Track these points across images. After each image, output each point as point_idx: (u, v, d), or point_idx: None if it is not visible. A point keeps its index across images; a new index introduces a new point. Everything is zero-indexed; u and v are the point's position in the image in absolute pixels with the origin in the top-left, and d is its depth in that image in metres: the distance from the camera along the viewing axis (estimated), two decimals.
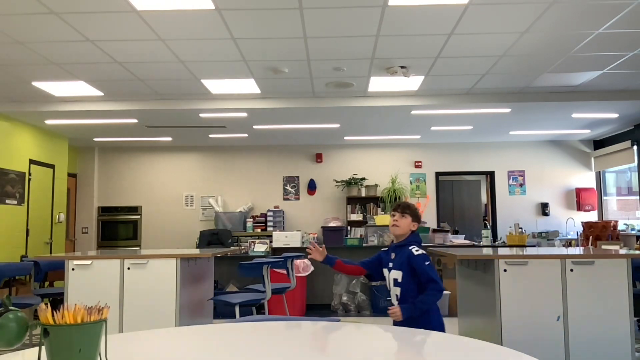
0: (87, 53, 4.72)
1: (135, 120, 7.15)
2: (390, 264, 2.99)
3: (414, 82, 5.75)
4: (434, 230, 7.81)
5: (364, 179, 9.14)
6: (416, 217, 3.02)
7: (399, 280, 2.90)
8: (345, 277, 7.18)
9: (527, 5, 3.81)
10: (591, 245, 6.85)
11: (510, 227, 8.80)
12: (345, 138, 8.72)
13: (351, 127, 7.72)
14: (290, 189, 9.30)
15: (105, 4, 3.71)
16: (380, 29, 4.23)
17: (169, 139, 8.68)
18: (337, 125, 7.61)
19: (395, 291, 2.92)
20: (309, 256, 3.20)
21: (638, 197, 8.00)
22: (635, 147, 7.80)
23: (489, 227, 8.58)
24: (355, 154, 9.35)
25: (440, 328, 2.84)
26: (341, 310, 7.11)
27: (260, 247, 7.79)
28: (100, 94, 6.07)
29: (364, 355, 1.41)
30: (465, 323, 4.43)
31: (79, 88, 5.82)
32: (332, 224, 8.30)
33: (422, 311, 2.77)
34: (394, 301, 2.93)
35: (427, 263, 2.82)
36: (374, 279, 3.20)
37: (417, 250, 2.86)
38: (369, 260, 3.23)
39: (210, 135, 8.38)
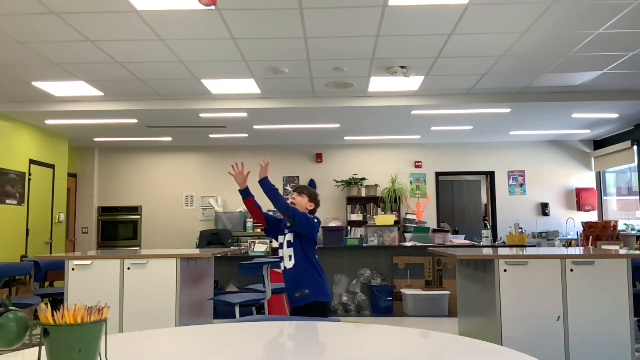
0: (87, 53, 4.72)
1: (135, 120, 7.15)
2: (286, 230, 3.43)
3: (414, 82, 5.75)
4: (434, 230, 7.81)
5: (364, 179, 9.14)
6: (312, 197, 3.49)
7: (292, 241, 3.37)
8: (345, 277, 7.18)
9: (527, 5, 3.81)
10: (591, 245, 6.85)
11: (510, 227, 8.80)
12: (345, 138, 8.72)
13: (351, 127, 7.72)
14: (290, 189, 9.29)
15: (105, 4, 3.71)
16: (380, 29, 4.23)
17: (169, 139, 8.69)
18: (337, 125, 7.61)
19: (289, 252, 3.37)
20: (230, 173, 3.56)
21: (638, 197, 8.00)
22: (635, 147, 7.80)
23: (489, 227, 8.58)
24: (355, 154, 9.35)
25: (317, 288, 3.28)
26: (341, 310, 7.11)
27: (260, 247, 7.79)
28: (100, 94, 6.07)
29: (364, 355, 1.41)
30: (465, 323, 4.43)
31: (79, 88, 5.82)
32: (332, 224, 8.30)
33: (269, 190, 3.36)
34: (287, 262, 3.36)
35: (310, 218, 3.33)
36: (269, 233, 3.62)
37: (308, 215, 3.36)
38: (273, 218, 3.63)
39: (210, 135, 8.38)
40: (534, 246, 6.87)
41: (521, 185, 9.25)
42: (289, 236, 3.39)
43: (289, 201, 3.45)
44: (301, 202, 3.44)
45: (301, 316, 3.30)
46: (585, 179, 9.22)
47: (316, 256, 3.38)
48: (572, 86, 6.02)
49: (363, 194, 9.10)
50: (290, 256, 3.35)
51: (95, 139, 8.68)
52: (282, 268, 3.43)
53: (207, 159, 9.40)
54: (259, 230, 8.83)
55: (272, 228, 3.58)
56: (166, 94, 6.16)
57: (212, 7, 3.57)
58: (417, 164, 9.29)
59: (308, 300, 3.30)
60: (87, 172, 9.39)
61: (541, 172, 9.25)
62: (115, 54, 4.77)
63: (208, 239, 8.11)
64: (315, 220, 3.38)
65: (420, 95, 6.31)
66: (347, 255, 7.30)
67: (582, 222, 7.39)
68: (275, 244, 7.44)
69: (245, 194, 3.57)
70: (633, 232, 7.78)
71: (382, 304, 6.97)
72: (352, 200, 9.11)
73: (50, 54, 4.73)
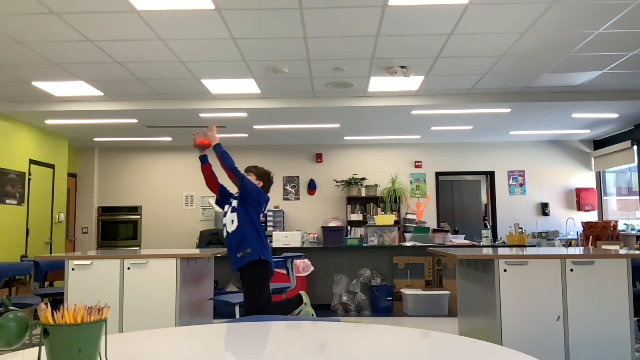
0: (87, 53, 4.72)
1: (135, 120, 7.15)
2: (232, 199, 3.87)
3: (414, 82, 5.75)
4: (434, 230, 7.82)
5: (364, 179, 9.14)
6: (260, 176, 3.91)
7: (236, 207, 3.76)
8: (345, 277, 7.18)
9: (527, 5, 3.81)
10: (591, 245, 6.86)
11: (510, 227, 8.81)
12: (345, 138, 8.72)
13: (351, 127, 7.72)
14: (290, 189, 9.30)
15: (105, 4, 3.71)
16: (380, 29, 4.23)
17: (169, 139, 8.69)
18: (337, 125, 7.61)
19: (232, 217, 3.75)
20: (194, 138, 3.92)
21: (638, 197, 8.00)
22: (635, 147, 7.80)
23: (489, 227, 8.58)
24: (355, 154, 9.35)
25: (258, 247, 3.65)
26: (341, 310, 7.11)
27: None
28: (100, 94, 6.07)
29: (364, 355, 1.41)
30: (465, 323, 4.43)
31: (79, 88, 5.82)
32: (332, 224, 8.30)
33: (222, 154, 3.71)
34: (230, 226, 3.74)
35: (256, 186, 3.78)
36: (219, 203, 3.98)
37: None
38: (225, 189, 4.02)
39: None
40: (534, 246, 6.88)
41: (521, 185, 9.25)
42: (235, 202, 3.78)
43: None
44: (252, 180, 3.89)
45: (245, 277, 3.67)
46: (585, 179, 9.22)
47: (261, 224, 3.73)
48: (572, 86, 6.03)
49: (363, 194, 9.10)
50: (232, 220, 3.71)
51: (95, 139, 8.68)
52: (225, 234, 3.75)
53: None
54: None
55: (222, 198, 3.98)
56: (166, 94, 6.16)
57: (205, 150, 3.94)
58: (417, 164, 9.29)
59: (250, 258, 3.59)
60: (87, 172, 9.39)
61: (541, 172, 9.26)
62: (115, 54, 4.77)
63: (208, 239, 8.10)
64: (258, 188, 3.78)
65: (420, 95, 6.31)
66: (347, 255, 7.30)
67: (582, 222, 7.39)
68: (275, 244, 7.46)
69: (204, 159, 3.92)
70: (633, 232, 7.78)
71: (382, 304, 6.97)
72: (352, 200, 9.11)
73: (50, 54, 4.73)
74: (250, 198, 3.67)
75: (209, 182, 3.93)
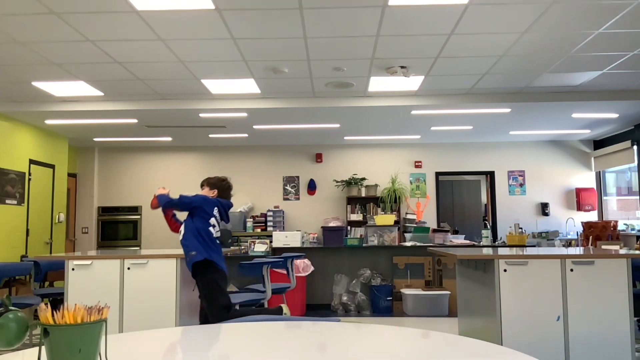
0: (87, 53, 4.72)
1: (135, 120, 7.15)
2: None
3: (414, 82, 5.75)
4: (434, 230, 7.82)
5: (364, 179, 9.14)
6: (214, 185, 4.04)
7: (185, 219, 3.97)
8: (345, 277, 7.17)
9: (527, 5, 3.81)
10: (591, 245, 6.86)
11: (510, 227, 8.81)
12: (345, 138, 8.72)
13: (351, 127, 7.72)
14: (290, 189, 9.30)
15: (105, 4, 3.71)
16: (380, 29, 4.23)
17: (169, 139, 8.69)
18: (337, 125, 7.61)
19: (181, 228, 3.96)
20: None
21: (638, 197, 8.00)
22: (635, 147, 7.80)
23: (489, 227, 8.58)
24: (355, 154, 9.35)
25: (202, 250, 3.78)
26: (341, 310, 7.11)
27: (260, 247, 7.79)
28: (100, 94, 6.07)
29: (364, 355, 1.41)
30: (465, 323, 4.43)
31: (79, 88, 5.82)
32: (332, 224, 8.30)
33: (169, 201, 3.91)
34: (180, 237, 3.92)
35: (193, 195, 3.92)
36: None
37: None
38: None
39: (210, 135, 8.38)
40: (534, 246, 6.88)
41: (521, 185, 9.25)
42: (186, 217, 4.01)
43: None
44: (205, 193, 4.04)
45: (198, 283, 3.82)
46: (585, 179, 9.22)
47: (209, 229, 3.84)
48: (572, 86, 6.03)
49: (363, 194, 9.10)
50: (181, 231, 3.93)
51: (95, 139, 8.68)
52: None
53: (207, 159, 9.40)
54: (259, 230, 8.84)
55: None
56: (166, 94, 6.16)
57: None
58: (417, 164, 9.29)
59: (195, 259, 3.74)
60: (87, 172, 9.39)
61: (541, 172, 9.26)
62: (115, 54, 4.77)
63: None
64: (198, 197, 3.91)
65: (420, 95, 6.31)
66: (347, 255, 7.30)
67: (582, 222, 7.39)
68: (275, 244, 7.47)
69: (164, 210, 4.14)
70: (633, 232, 7.78)
71: (382, 304, 6.97)
72: (352, 200, 9.11)
73: (50, 54, 4.73)
74: (194, 209, 3.85)
75: (171, 226, 4.19)
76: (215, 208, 3.92)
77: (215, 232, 3.88)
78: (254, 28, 4.19)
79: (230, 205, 4.09)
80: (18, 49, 4.59)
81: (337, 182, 9.22)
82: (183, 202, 3.86)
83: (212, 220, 3.88)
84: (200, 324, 3.76)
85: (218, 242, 3.90)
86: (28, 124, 7.33)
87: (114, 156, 9.47)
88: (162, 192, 3.96)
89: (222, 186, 4.07)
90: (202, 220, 3.84)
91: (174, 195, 4.06)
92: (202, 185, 4.11)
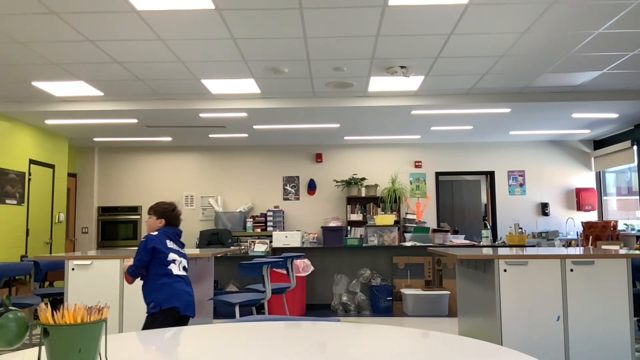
0: (87, 53, 4.72)
1: (135, 120, 7.15)
2: None
3: (414, 82, 5.75)
4: (434, 230, 7.82)
5: (364, 179, 9.14)
6: (160, 214, 3.58)
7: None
8: (345, 277, 7.17)
9: (527, 5, 3.81)
10: (591, 245, 6.86)
11: (510, 227, 8.81)
12: (345, 138, 8.72)
13: (351, 127, 7.72)
14: (290, 189, 9.30)
15: (105, 4, 3.71)
16: (380, 29, 4.23)
17: (169, 139, 8.69)
18: (337, 125, 7.61)
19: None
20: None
21: (638, 197, 8.00)
22: (635, 147, 7.80)
23: (489, 227, 8.58)
24: (355, 154, 9.35)
25: (159, 299, 3.39)
26: (341, 310, 7.11)
27: (260, 247, 7.79)
28: (100, 94, 6.07)
29: (364, 355, 1.41)
30: (465, 323, 4.43)
31: (79, 88, 5.82)
32: (332, 224, 8.30)
33: (132, 273, 3.46)
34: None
35: (140, 247, 3.43)
36: None
37: (144, 237, 3.50)
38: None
39: (210, 135, 8.38)
40: (534, 246, 6.88)
41: (521, 185, 9.25)
42: None
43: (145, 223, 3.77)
44: (151, 225, 3.58)
45: (148, 315, 3.49)
46: (585, 179, 9.22)
47: (169, 268, 3.43)
48: (572, 86, 6.03)
49: (363, 194, 9.10)
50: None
51: (95, 139, 8.68)
52: None
53: (207, 159, 9.40)
54: (259, 230, 8.84)
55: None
56: (166, 94, 6.16)
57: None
58: (417, 164, 9.29)
59: (152, 311, 3.43)
60: (87, 172, 9.39)
61: (541, 172, 9.25)
62: (115, 54, 4.77)
63: (208, 239, 8.11)
64: (147, 242, 3.46)
65: (420, 95, 6.31)
66: (347, 255, 7.30)
67: (582, 222, 7.40)
68: (275, 244, 7.47)
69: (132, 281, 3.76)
70: (633, 232, 7.78)
71: (382, 304, 6.97)
72: (352, 200, 9.11)
73: (50, 54, 4.73)
74: (151, 258, 3.46)
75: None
76: (168, 241, 3.50)
77: (177, 266, 3.47)
78: (254, 28, 4.19)
79: (179, 233, 3.64)
80: (18, 49, 4.59)
81: (337, 182, 9.22)
82: (141, 260, 3.43)
83: (171, 256, 3.45)
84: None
85: (184, 272, 3.51)
86: (28, 124, 7.33)
87: (114, 156, 9.47)
88: (127, 264, 3.56)
89: (170, 215, 3.63)
90: (158, 263, 3.45)
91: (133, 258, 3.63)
92: (148, 214, 3.65)
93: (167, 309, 3.39)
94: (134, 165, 9.44)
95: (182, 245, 3.62)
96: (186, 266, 3.55)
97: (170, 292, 3.38)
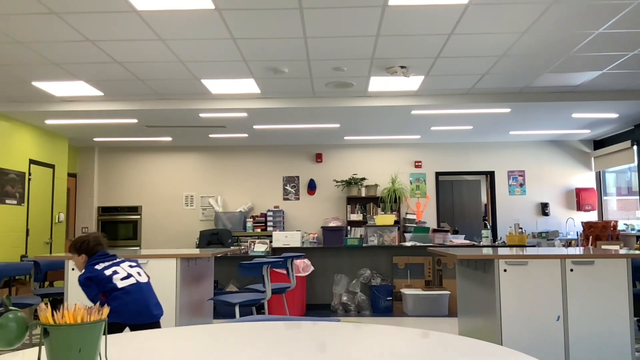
0: (87, 53, 4.72)
1: (135, 120, 7.15)
2: None
3: (414, 82, 5.75)
4: (434, 230, 7.81)
5: (364, 179, 9.14)
6: (80, 250, 3.41)
7: None
8: (345, 277, 7.17)
9: (527, 5, 3.81)
10: (591, 245, 6.86)
11: (510, 227, 8.81)
12: (345, 138, 8.72)
13: (351, 127, 7.72)
14: (290, 189, 9.30)
15: (105, 4, 3.71)
16: (380, 29, 4.23)
17: (169, 139, 8.69)
18: (337, 125, 7.61)
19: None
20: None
21: (638, 197, 8.00)
22: (635, 147, 7.80)
23: (489, 227, 8.58)
24: (355, 154, 9.35)
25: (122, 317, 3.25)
26: (341, 310, 7.11)
27: (260, 247, 7.79)
28: (100, 94, 6.07)
29: (364, 355, 1.41)
30: (465, 323, 4.43)
31: (79, 88, 5.82)
32: (332, 224, 8.30)
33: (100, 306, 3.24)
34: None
35: (82, 289, 3.29)
36: None
37: (78, 280, 3.34)
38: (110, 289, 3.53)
39: (210, 135, 8.38)
40: (534, 246, 6.88)
41: (521, 185, 9.25)
42: None
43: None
44: (77, 263, 3.46)
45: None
46: (585, 179, 9.22)
47: (113, 283, 3.26)
48: (572, 86, 6.03)
49: (363, 194, 9.10)
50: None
51: (95, 139, 8.69)
52: None
53: (207, 159, 9.40)
54: (259, 230, 8.84)
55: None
56: (166, 94, 6.16)
57: None
58: (417, 164, 9.29)
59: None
60: (87, 172, 9.39)
61: (541, 172, 9.26)
62: (115, 54, 4.77)
63: (208, 239, 8.11)
64: (80, 280, 3.32)
65: (420, 95, 6.31)
66: (347, 255, 7.30)
67: (582, 222, 7.40)
68: (275, 244, 7.47)
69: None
70: (633, 232, 7.78)
71: (382, 304, 6.97)
72: (352, 200, 9.11)
73: (50, 54, 4.73)
74: (95, 288, 3.33)
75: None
76: (96, 266, 3.34)
77: (120, 280, 3.29)
78: (254, 28, 4.19)
79: (105, 253, 3.44)
80: (18, 49, 4.59)
81: (337, 182, 9.22)
82: (90, 295, 3.31)
83: (107, 272, 3.29)
84: None
85: (131, 277, 3.34)
86: (28, 124, 7.33)
87: (114, 156, 9.47)
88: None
89: (86, 248, 3.48)
90: (103, 285, 3.31)
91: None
92: (71, 252, 3.50)
93: (112, 324, 3.28)
94: (134, 165, 9.44)
95: (114, 257, 3.44)
96: (132, 265, 3.39)
97: (115, 306, 3.26)
